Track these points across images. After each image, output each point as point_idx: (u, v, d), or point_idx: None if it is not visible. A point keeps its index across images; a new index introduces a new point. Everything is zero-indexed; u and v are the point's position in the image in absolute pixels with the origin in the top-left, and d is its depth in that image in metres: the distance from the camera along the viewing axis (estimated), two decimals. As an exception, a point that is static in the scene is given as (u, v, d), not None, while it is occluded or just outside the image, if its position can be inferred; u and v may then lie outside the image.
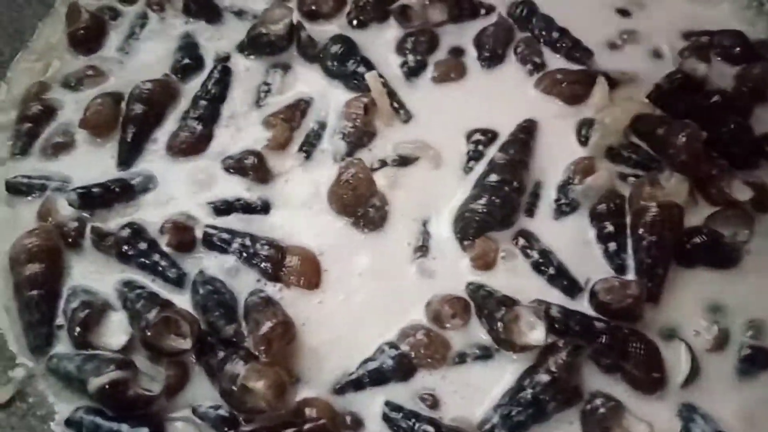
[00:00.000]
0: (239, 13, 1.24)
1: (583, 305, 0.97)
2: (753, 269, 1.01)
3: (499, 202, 1.02)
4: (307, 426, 0.88)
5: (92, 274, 1.01)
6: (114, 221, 1.04)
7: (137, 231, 1.01)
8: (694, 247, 0.99)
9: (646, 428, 0.87)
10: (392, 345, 0.95)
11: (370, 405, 0.92)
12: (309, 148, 1.11)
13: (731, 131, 1.06)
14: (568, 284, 0.99)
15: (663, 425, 0.90)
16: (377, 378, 0.93)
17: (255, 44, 1.17)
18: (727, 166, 1.05)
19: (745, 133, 1.08)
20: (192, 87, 1.16)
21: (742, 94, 1.15)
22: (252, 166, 1.07)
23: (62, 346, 0.96)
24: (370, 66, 1.16)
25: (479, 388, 0.93)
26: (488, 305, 0.95)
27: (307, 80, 1.18)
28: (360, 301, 1.00)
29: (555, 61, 1.19)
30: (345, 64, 1.16)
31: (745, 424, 0.91)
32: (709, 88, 1.14)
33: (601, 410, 0.88)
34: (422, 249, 1.03)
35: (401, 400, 0.92)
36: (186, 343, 0.90)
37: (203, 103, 1.12)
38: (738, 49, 1.19)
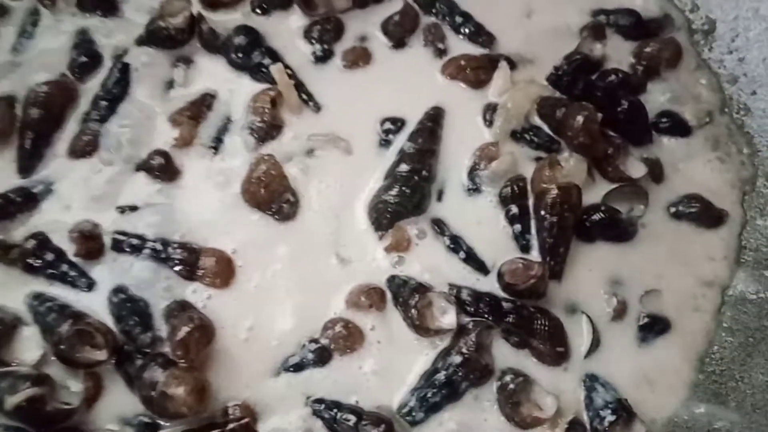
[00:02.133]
0: (136, 5, 1.20)
1: (494, 285, 1.01)
2: (647, 241, 1.07)
3: (410, 191, 1.04)
4: (230, 426, 0.90)
5: (-1, 288, 0.98)
6: (18, 232, 1.02)
7: (43, 242, 0.99)
8: (593, 224, 1.05)
9: (552, 401, 0.93)
10: (313, 340, 0.97)
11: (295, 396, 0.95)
12: (216, 143, 1.10)
13: (626, 110, 1.11)
14: (478, 266, 1.03)
15: (569, 396, 0.96)
16: (297, 367, 0.96)
17: (154, 39, 1.14)
18: (623, 145, 1.10)
19: (640, 112, 1.13)
20: (91, 86, 1.12)
21: (637, 72, 1.20)
22: (159, 167, 1.06)
23: (-28, 365, 0.93)
24: (275, 57, 1.15)
25: (397, 373, 0.96)
26: (403, 294, 0.98)
27: (212, 73, 1.16)
28: (279, 294, 1.01)
29: (460, 46, 1.20)
30: (250, 56, 1.14)
31: (644, 387, 0.99)
32: (608, 66, 1.19)
33: (511, 386, 0.94)
34: (338, 238, 1.04)
35: (321, 387, 0.95)
36: (102, 354, 0.90)
37: (104, 103, 1.09)
38: (633, 27, 1.24)
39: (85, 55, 1.13)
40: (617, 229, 1.06)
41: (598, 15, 1.26)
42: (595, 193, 1.08)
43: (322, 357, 0.97)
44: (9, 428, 0.90)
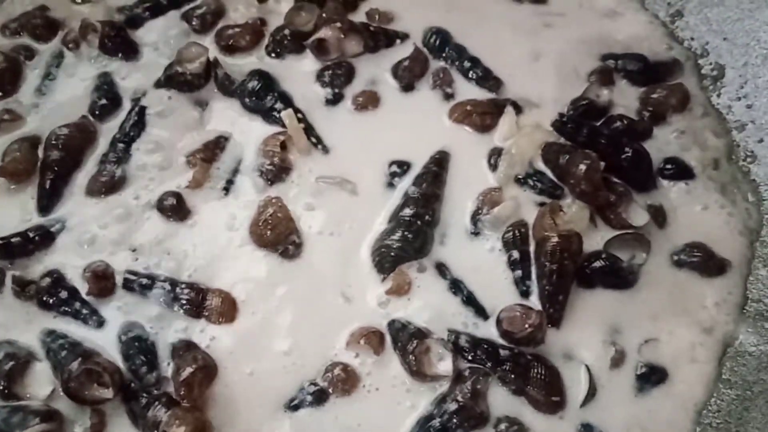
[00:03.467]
0: (156, 49, 1.25)
1: (492, 331, 1.03)
2: (648, 288, 1.07)
3: (412, 236, 1.07)
4: (229, 466, 0.92)
5: (14, 323, 1.02)
6: (34, 269, 1.06)
7: (58, 280, 1.03)
8: (593, 271, 1.06)
9: (545, 450, 0.94)
10: (312, 382, 0.99)
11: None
12: (228, 185, 1.14)
13: (630, 158, 1.12)
14: (477, 310, 1.04)
15: (564, 445, 0.97)
16: (295, 408, 0.99)
17: (172, 83, 1.19)
18: (626, 192, 1.11)
19: (644, 159, 1.14)
20: (110, 127, 1.17)
21: (644, 117, 1.21)
22: (171, 207, 1.10)
23: (-14, 398, 0.98)
24: (287, 101, 1.19)
25: (393, 417, 0.98)
26: (401, 338, 1.00)
27: (226, 116, 1.20)
28: (281, 334, 1.03)
29: (468, 90, 1.23)
30: (263, 100, 1.18)
31: (639, 437, 0.99)
32: (614, 111, 1.20)
33: (506, 434, 0.95)
34: (341, 279, 1.07)
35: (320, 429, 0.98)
36: (108, 393, 0.94)
37: (121, 146, 1.13)
38: (641, 72, 1.26)
39: (105, 97, 1.18)
40: (618, 277, 1.07)
41: (606, 59, 1.27)
42: (597, 239, 1.09)
43: (320, 399, 0.99)
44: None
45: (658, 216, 1.12)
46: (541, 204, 1.11)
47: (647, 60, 1.28)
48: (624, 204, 1.10)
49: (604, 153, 1.10)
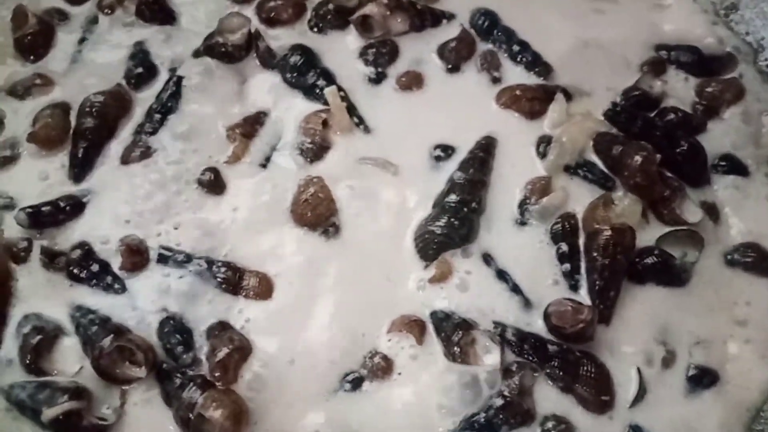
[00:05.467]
0: (194, 17, 1.20)
1: (539, 325, 0.98)
2: (700, 287, 1.03)
3: (458, 223, 1.02)
4: (264, 454, 0.89)
5: (42, 296, 0.99)
6: (63, 239, 1.02)
7: (89, 252, 0.99)
8: (645, 268, 1.01)
9: (595, 451, 0.90)
10: (352, 371, 0.96)
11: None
12: (266, 161, 1.10)
13: (685, 152, 1.08)
14: (523, 302, 1.00)
15: (612, 445, 0.93)
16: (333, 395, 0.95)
17: (211, 53, 1.14)
18: (681, 187, 1.07)
19: (699, 154, 1.10)
20: (145, 96, 1.12)
21: (698, 111, 1.17)
22: (208, 182, 1.05)
23: (13, 372, 0.94)
24: (329, 78, 1.14)
25: (433, 409, 0.94)
26: (445, 328, 0.96)
27: (266, 90, 1.15)
28: (318, 318, 0.99)
29: (516, 74, 1.18)
30: (304, 75, 1.14)
31: (688, 441, 0.95)
32: (667, 104, 1.16)
33: (553, 432, 0.91)
34: (381, 265, 1.03)
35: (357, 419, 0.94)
36: (141, 372, 0.90)
37: (158, 116, 1.09)
38: (695, 65, 1.21)
39: (142, 65, 1.13)
40: (670, 275, 1.03)
41: (659, 50, 1.23)
42: (649, 235, 1.05)
43: (358, 384, 0.95)
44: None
45: (711, 213, 1.08)
46: (591, 195, 1.07)
47: (701, 52, 1.23)
48: (678, 199, 1.05)
49: (659, 146, 1.06)
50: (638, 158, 1.03)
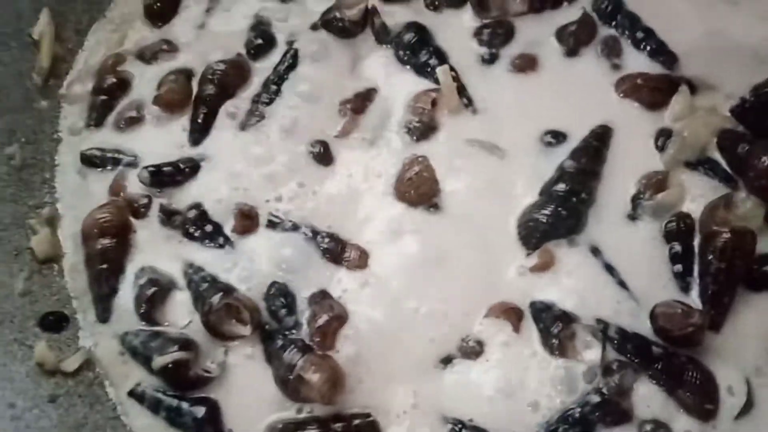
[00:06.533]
0: (313, -9, 1.22)
1: (645, 325, 0.95)
2: (822, 302, 0.97)
3: (566, 213, 1.00)
4: (355, 422, 0.91)
5: (158, 251, 1.04)
6: (179, 198, 1.07)
7: (203, 213, 1.04)
8: (763, 276, 0.96)
9: (695, 461, 0.86)
10: (447, 356, 0.96)
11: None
12: (374, 137, 1.10)
13: (818, 156, 1.01)
14: (629, 299, 0.97)
15: (713, 457, 0.90)
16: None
17: (329, 27, 1.16)
18: (809, 193, 1.00)
19: (833, 159, 1.02)
20: (263, 66, 1.16)
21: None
22: (317, 155, 1.08)
23: (128, 320, 1.00)
24: (442, 58, 1.14)
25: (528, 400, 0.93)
26: (545, 319, 0.95)
27: (378, 66, 1.16)
28: (416, 291, 1.00)
29: (637, 62, 1.13)
30: (417, 54, 1.14)
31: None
32: (800, 104, 1.09)
33: (651, 437, 0.88)
34: (483, 249, 1.02)
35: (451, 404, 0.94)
36: (246, 330, 0.94)
37: (274, 87, 1.12)
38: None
39: (262, 37, 1.17)
40: (790, 286, 0.97)
41: (798, 45, 1.14)
42: (769, 241, 0.99)
43: (451, 368, 0.95)
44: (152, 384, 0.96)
45: (841, 225, 1.01)
46: (711, 195, 1.02)
47: None
48: (805, 206, 0.99)
49: (790, 147, 0.99)
50: (766, 159, 0.97)
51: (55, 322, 1.02)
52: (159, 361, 0.92)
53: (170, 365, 0.92)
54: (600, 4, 1.17)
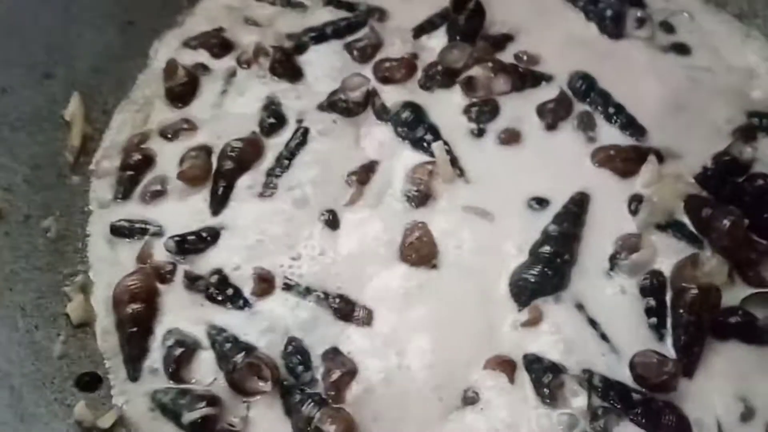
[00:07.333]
0: (318, 74, 1.35)
1: (624, 373, 1.05)
2: (784, 348, 1.08)
3: (551, 273, 1.12)
4: (368, 470, 1.00)
5: (183, 314, 1.13)
6: (201, 265, 1.17)
7: (224, 278, 1.14)
8: (728, 326, 1.08)
9: (673, 497, 0.96)
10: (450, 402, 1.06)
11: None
12: (377, 203, 1.22)
13: (772, 216, 1.14)
14: (610, 350, 1.08)
15: (690, 494, 0.99)
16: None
17: (334, 107, 1.29)
18: (767, 250, 1.12)
19: (786, 220, 1.15)
20: (275, 142, 1.27)
21: (786, 178, 1.22)
22: (327, 221, 1.19)
23: (157, 379, 1.09)
24: (436, 133, 1.26)
25: (523, 444, 1.03)
26: (536, 370, 1.05)
27: (379, 140, 1.28)
28: (419, 347, 1.09)
29: (610, 134, 1.27)
30: (413, 130, 1.27)
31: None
32: (756, 169, 1.22)
33: (633, 477, 0.98)
34: (478, 306, 1.13)
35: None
36: (267, 386, 1.03)
37: (286, 162, 1.24)
38: (785, 131, 1.26)
39: (273, 116, 1.28)
40: (753, 334, 1.08)
41: (751, 117, 1.29)
42: (734, 295, 1.11)
43: (455, 416, 1.05)
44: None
45: (798, 277, 1.13)
46: (679, 254, 1.14)
47: (791, 119, 1.28)
48: (764, 262, 1.12)
49: (747, 210, 1.12)
50: (727, 222, 1.10)
51: (90, 382, 1.09)
52: (188, 416, 1.01)
53: (199, 420, 1.00)
54: (575, 84, 1.32)
